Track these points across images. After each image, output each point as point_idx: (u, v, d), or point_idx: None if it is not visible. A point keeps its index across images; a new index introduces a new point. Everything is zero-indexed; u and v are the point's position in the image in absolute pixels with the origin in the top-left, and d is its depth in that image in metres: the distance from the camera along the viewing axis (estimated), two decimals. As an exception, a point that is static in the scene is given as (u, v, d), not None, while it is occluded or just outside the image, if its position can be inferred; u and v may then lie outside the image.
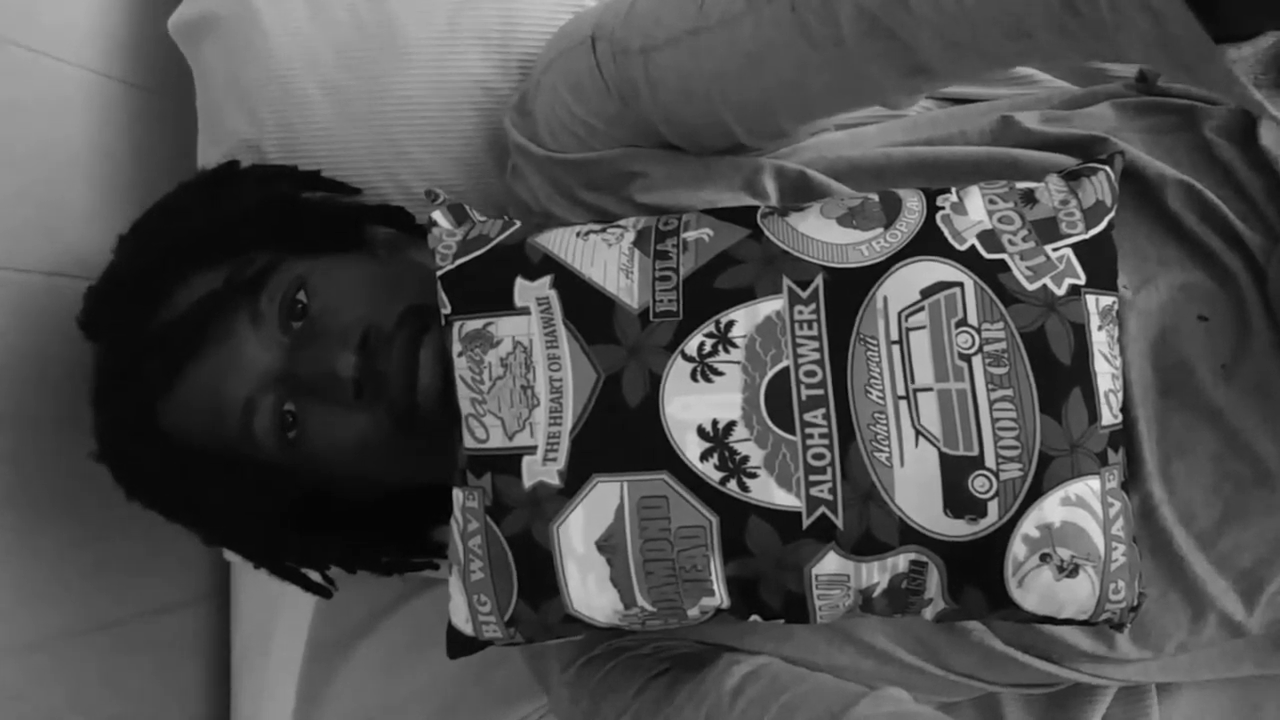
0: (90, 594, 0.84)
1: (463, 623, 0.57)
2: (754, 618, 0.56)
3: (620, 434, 0.53)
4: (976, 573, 0.52)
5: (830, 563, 0.53)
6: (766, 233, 0.56)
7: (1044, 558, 0.51)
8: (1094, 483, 0.52)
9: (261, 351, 0.62)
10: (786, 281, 0.54)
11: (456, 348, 0.56)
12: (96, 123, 0.89)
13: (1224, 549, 0.58)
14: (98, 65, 0.89)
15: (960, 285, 0.53)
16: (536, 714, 0.83)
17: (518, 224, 0.59)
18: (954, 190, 0.56)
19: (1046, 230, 0.54)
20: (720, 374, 0.53)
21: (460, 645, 0.58)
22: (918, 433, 0.52)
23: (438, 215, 0.60)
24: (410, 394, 0.60)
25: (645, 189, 0.66)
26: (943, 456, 0.51)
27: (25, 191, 0.80)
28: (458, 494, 0.56)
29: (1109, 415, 0.52)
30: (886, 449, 0.52)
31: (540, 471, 0.54)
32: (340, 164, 0.78)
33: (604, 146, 0.66)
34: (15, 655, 0.76)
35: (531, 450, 0.54)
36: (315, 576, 0.75)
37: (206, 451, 0.65)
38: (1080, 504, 0.51)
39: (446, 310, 0.57)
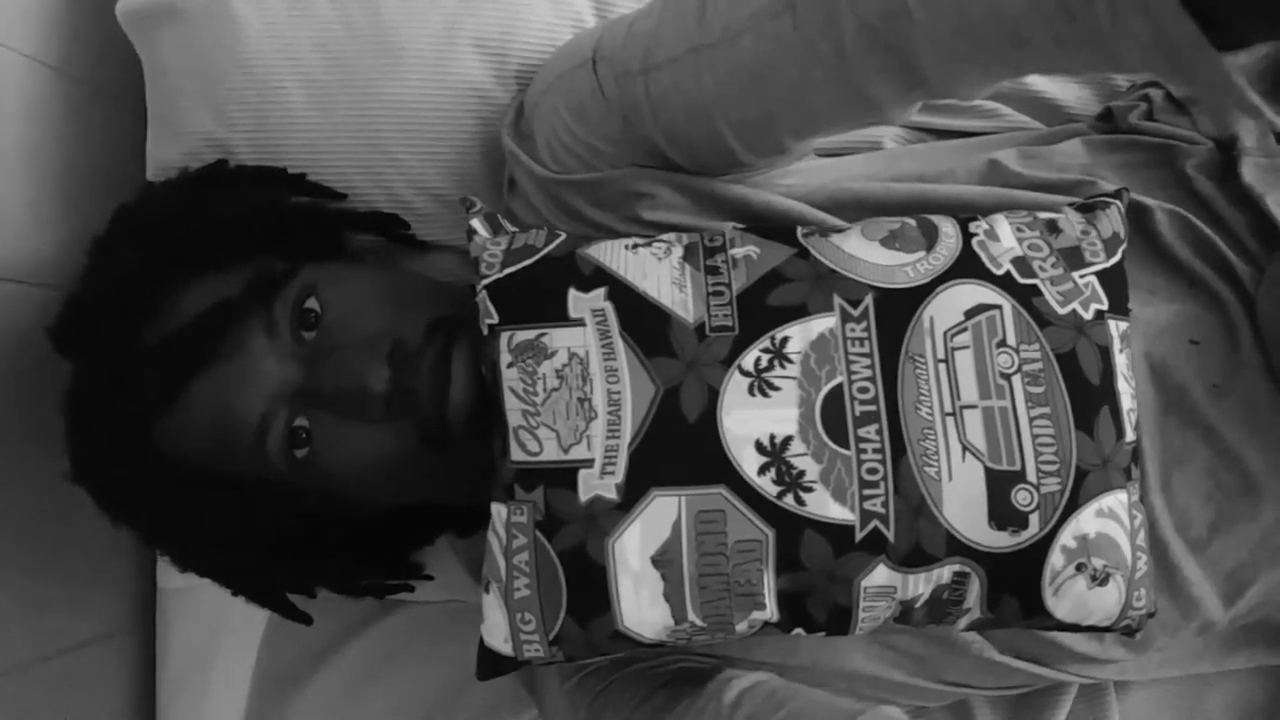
0: (8, 632, 0.77)
1: (500, 642, 0.55)
2: (797, 631, 0.56)
3: (679, 448, 0.53)
4: (1016, 583, 0.55)
5: (880, 575, 0.54)
6: (813, 252, 0.57)
7: (1079, 567, 0.54)
8: (1123, 495, 0.55)
9: (277, 364, 0.59)
10: (838, 300, 0.55)
11: (506, 358, 0.55)
12: (28, 113, 0.82)
13: (1212, 554, 0.62)
14: (29, 49, 0.82)
15: (1000, 308, 0.55)
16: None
17: (563, 235, 0.59)
18: (982, 218, 0.59)
19: (1072, 258, 0.57)
20: (777, 389, 0.54)
21: (493, 666, 0.57)
22: (964, 448, 0.54)
23: (476, 223, 0.59)
24: (442, 409, 0.58)
25: (652, 208, 0.66)
26: (988, 471, 0.54)
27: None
28: (500, 509, 0.55)
29: (1131, 432, 0.56)
30: (935, 464, 0.54)
31: (597, 485, 0.53)
32: (322, 167, 0.75)
33: (608, 167, 0.66)
34: None
35: (589, 464, 0.53)
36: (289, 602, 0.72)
37: (204, 471, 0.61)
38: (1112, 516, 0.54)
39: (493, 320, 0.55)
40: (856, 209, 0.67)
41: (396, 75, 0.75)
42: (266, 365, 0.59)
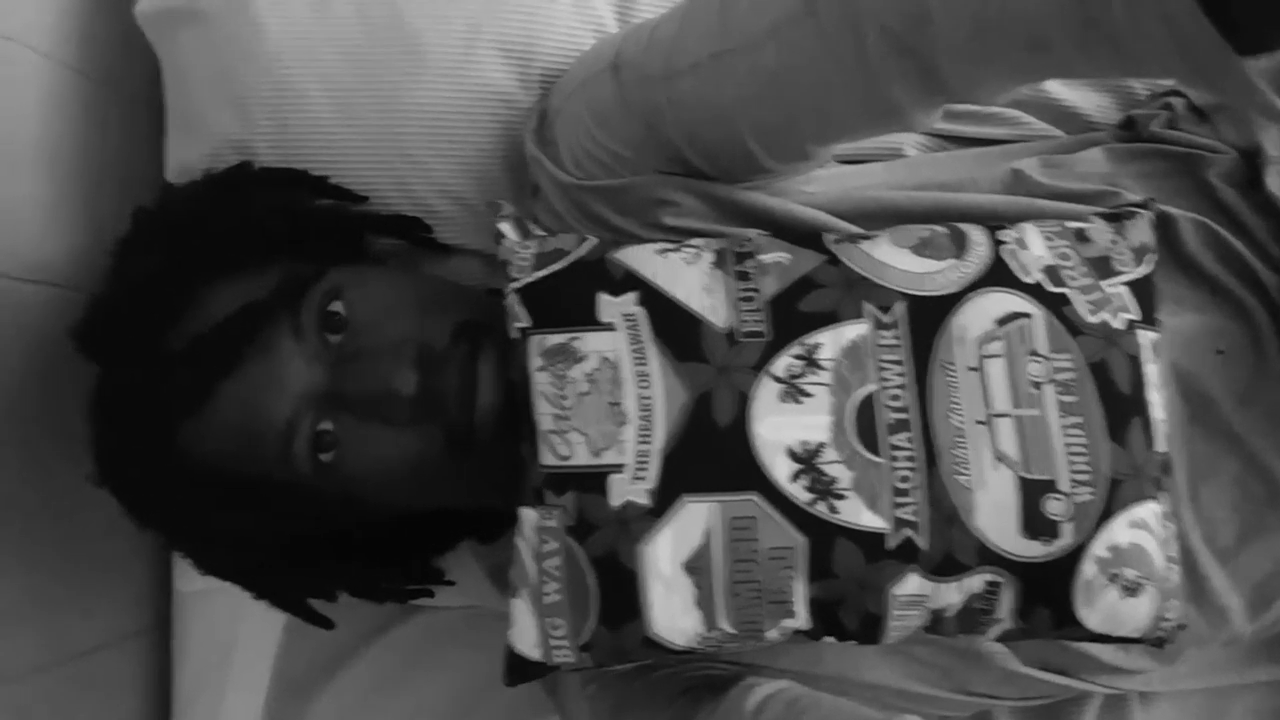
0: (24, 635, 0.77)
1: (530, 648, 0.55)
2: (827, 639, 0.56)
3: (710, 454, 0.53)
4: (1048, 593, 0.54)
5: (911, 584, 0.54)
6: (843, 258, 0.57)
7: (1112, 578, 0.54)
8: (1155, 506, 0.55)
9: (305, 368, 0.59)
10: (869, 306, 0.55)
11: (536, 362, 0.54)
12: (46, 113, 0.82)
13: (1240, 565, 0.62)
14: (48, 48, 0.82)
15: (1031, 316, 0.55)
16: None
17: (593, 239, 0.58)
18: (1011, 227, 0.59)
19: (1101, 268, 0.57)
20: (809, 395, 0.53)
21: (521, 672, 0.56)
22: (996, 457, 0.54)
23: (505, 227, 0.59)
24: (469, 413, 0.58)
25: (675, 215, 0.66)
26: (1020, 480, 0.53)
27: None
28: (530, 513, 0.55)
29: (1162, 443, 0.56)
30: (967, 472, 0.53)
31: (629, 490, 0.53)
32: (343, 169, 0.75)
33: (631, 173, 0.66)
34: None
35: (619, 469, 0.53)
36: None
37: (229, 474, 0.60)
38: (1144, 526, 0.54)
39: (523, 324, 0.55)
40: (880, 218, 0.66)
41: (419, 78, 0.74)
42: (293, 368, 0.59)
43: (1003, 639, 0.57)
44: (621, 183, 0.65)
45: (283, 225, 0.66)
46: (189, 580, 0.85)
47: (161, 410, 0.59)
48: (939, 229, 0.59)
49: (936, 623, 0.56)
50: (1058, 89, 0.80)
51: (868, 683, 0.67)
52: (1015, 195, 0.68)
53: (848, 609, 0.54)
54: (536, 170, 0.69)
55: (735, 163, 0.65)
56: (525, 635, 0.55)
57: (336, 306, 0.60)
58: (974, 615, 0.56)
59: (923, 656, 0.67)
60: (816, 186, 0.70)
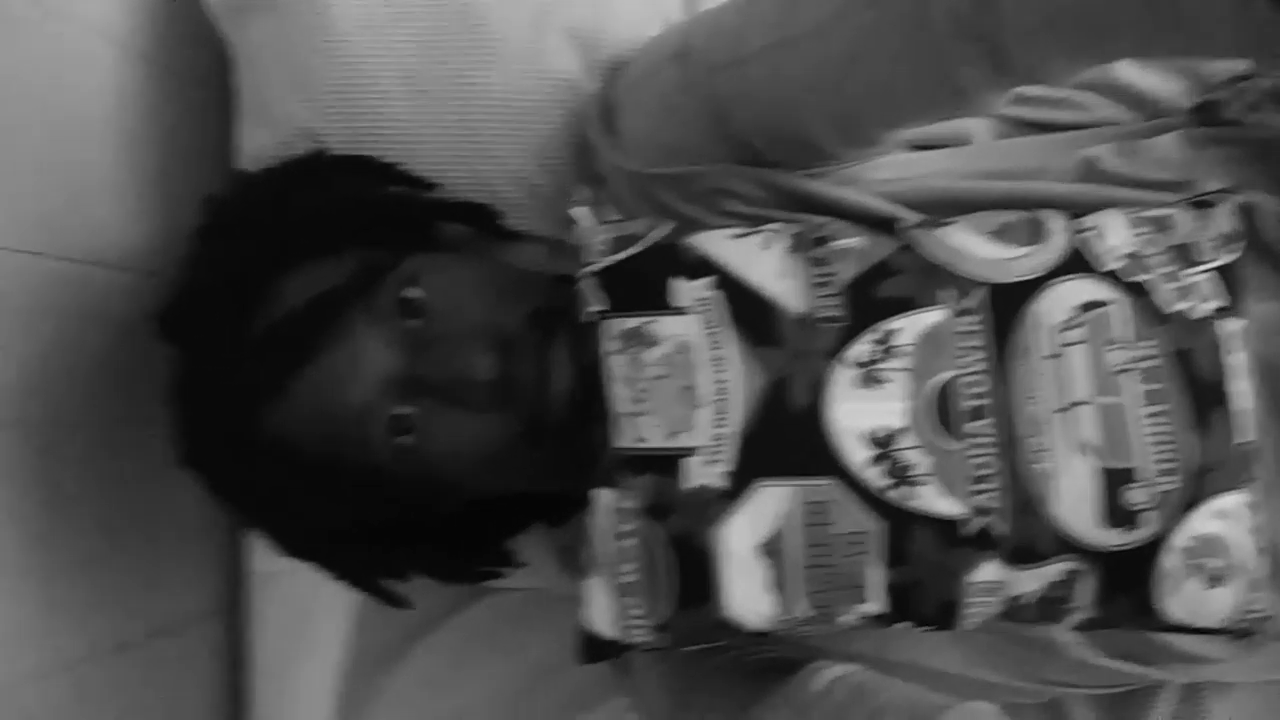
0: (107, 613, 0.78)
1: (605, 627, 0.55)
2: (902, 625, 0.56)
3: (786, 438, 0.53)
4: (1128, 583, 0.54)
5: (988, 571, 0.53)
6: (920, 244, 0.56)
7: (1194, 568, 0.53)
8: (1240, 496, 0.54)
9: (383, 352, 0.59)
10: (947, 293, 0.54)
11: (611, 346, 0.55)
12: (120, 101, 0.84)
13: None
14: (121, 37, 0.84)
15: (1111, 304, 0.54)
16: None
17: (667, 224, 0.59)
18: (1091, 214, 0.58)
19: (1184, 256, 0.56)
20: (886, 381, 0.53)
21: (596, 651, 0.57)
22: (1076, 445, 0.53)
23: (580, 212, 0.59)
24: (544, 398, 0.58)
25: (743, 205, 0.66)
26: (1100, 469, 0.53)
27: (56, 171, 0.75)
28: (607, 494, 0.55)
29: (1247, 432, 0.55)
30: (1046, 460, 0.53)
31: (704, 474, 0.53)
32: (414, 156, 0.75)
33: (697, 160, 0.66)
34: (35, 682, 0.70)
35: (695, 452, 0.53)
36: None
37: (311, 458, 0.61)
38: (1229, 516, 0.53)
39: (598, 308, 0.56)
40: (952, 208, 0.65)
41: (488, 63, 0.75)
42: (372, 353, 0.59)
43: (1080, 628, 0.57)
44: (687, 171, 0.65)
45: (358, 212, 0.67)
46: (263, 560, 0.86)
47: (243, 395, 0.60)
48: (1017, 216, 0.58)
49: (1013, 610, 0.56)
50: (1128, 72, 0.78)
51: (937, 670, 0.67)
52: (1088, 184, 0.67)
53: (923, 595, 0.54)
54: (600, 158, 0.70)
55: (802, 149, 0.64)
56: (600, 615, 0.56)
57: (413, 292, 0.61)
58: (1052, 603, 0.55)
59: (994, 645, 0.67)
60: (887, 173, 0.69)
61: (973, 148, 0.75)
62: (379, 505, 0.65)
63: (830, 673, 0.61)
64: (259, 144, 0.80)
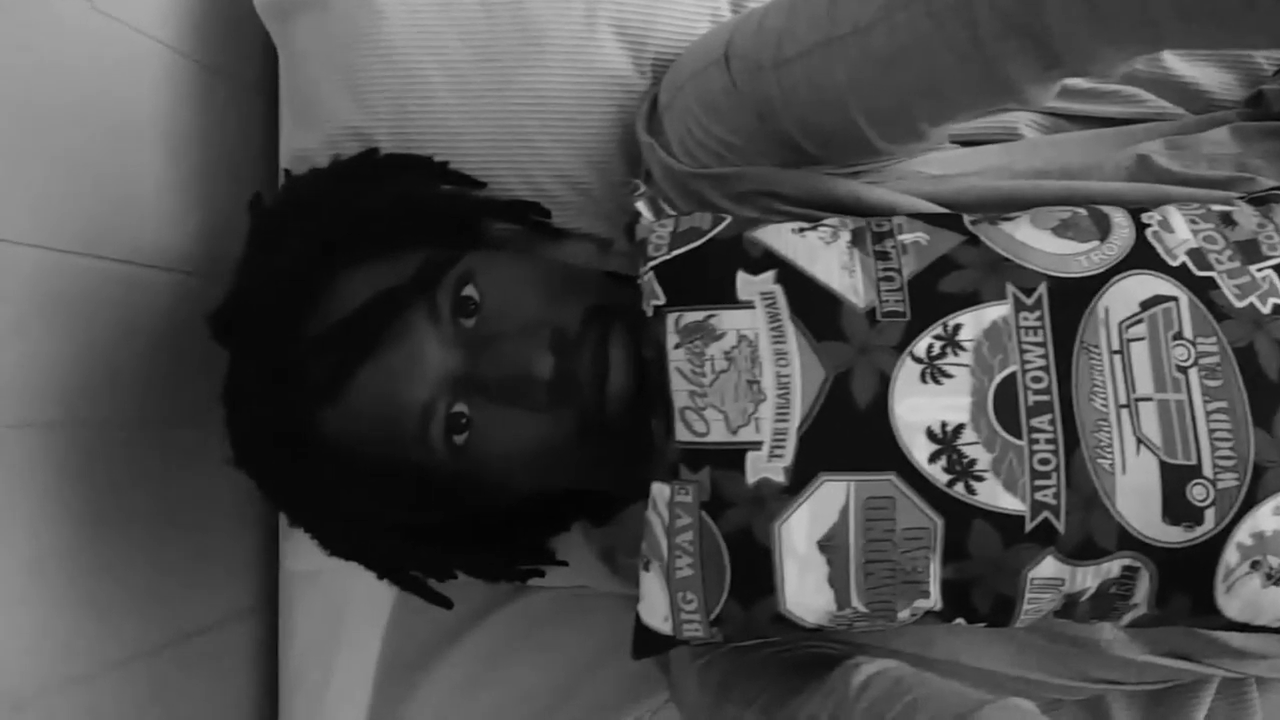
0: (148, 613, 0.79)
1: (660, 621, 0.55)
2: (958, 620, 0.56)
3: (849, 433, 0.53)
4: (1187, 579, 0.54)
5: (1047, 567, 0.53)
6: (983, 239, 0.56)
7: (1254, 565, 0.53)
8: (1303, 494, 0.54)
9: (442, 351, 0.60)
10: (1010, 288, 0.54)
11: (673, 339, 0.55)
12: (165, 101, 0.84)
13: None
14: (167, 36, 0.84)
15: (1176, 299, 0.54)
16: (636, 722, 0.81)
17: (728, 218, 0.59)
18: (1154, 209, 0.58)
19: (1249, 251, 0.56)
20: (949, 376, 0.53)
21: (649, 645, 0.57)
22: (1139, 441, 0.53)
23: (641, 206, 0.59)
24: (601, 396, 0.58)
25: (788, 205, 0.66)
26: (1163, 465, 0.53)
27: (102, 171, 0.75)
28: (662, 488, 0.55)
29: None
30: (1109, 456, 0.53)
31: (765, 468, 0.53)
32: (461, 155, 0.76)
33: (744, 161, 0.66)
34: (83, 684, 0.71)
35: (757, 446, 0.53)
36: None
37: (366, 457, 0.61)
38: (1291, 514, 0.53)
39: (659, 301, 0.56)
40: (1006, 207, 0.66)
41: (538, 61, 0.75)
42: (431, 353, 0.59)
43: (1135, 624, 0.57)
44: (735, 171, 0.66)
45: (413, 212, 0.67)
46: (298, 559, 0.87)
47: (302, 395, 0.60)
48: (1080, 211, 0.58)
49: (1070, 606, 0.56)
50: (1177, 64, 0.78)
51: (979, 668, 0.67)
52: (1142, 182, 0.67)
53: (981, 591, 0.54)
54: (649, 157, 0.70)
55: (849, 147, 0.64)
56: (655, 609, 0.56)
57: (469, 291, 0.61)
58: (1109, 600, 0.55)
59: (1037, 642, 0.66)
60: (938, 168, 0.69)
61: (1023, 143, 0.75)
62: (431, 504, 0.65)
63: (869, 668, 0.61)
64: (304, 144, 0.80)
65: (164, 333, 0.80)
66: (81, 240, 0.72)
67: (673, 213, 0.61)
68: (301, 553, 0.86)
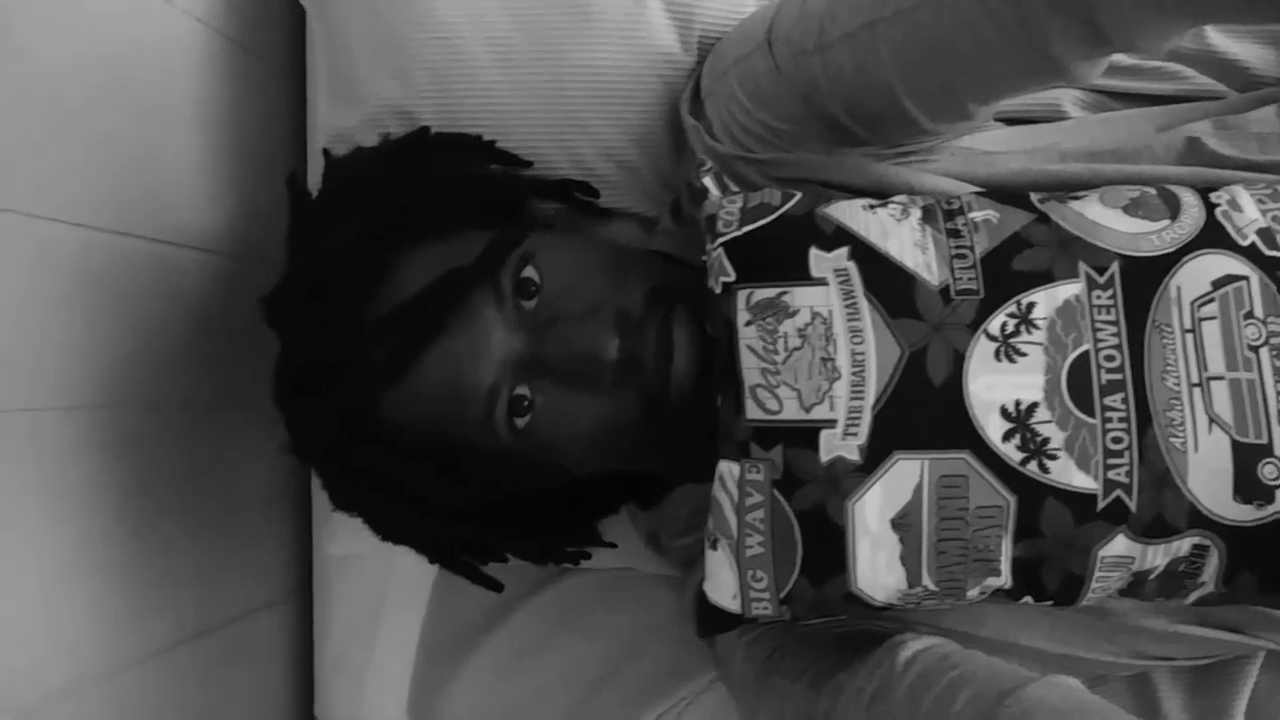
0: (192, 598, 0.79)
1: (728, 599, 0.55)
2: (1025, 599, 0.56)
3: (923, 411, 0.53)
4: (1256, 558, 0.54)
5: (1118, 545, 0.53)
6: (1054, 217, 0.56)
7: (1325, 545, 0.53)
8: (1372, 472, 0.54)
9: (505, 334, 0.59)
10: (1083, 266, 0.54)
11: (744, 316, 0.54)
12: (202, 80, 0.83)
13: None
14: (203, 13, 0.83)
15: (1246, 279, 0.54)
16: (673, 712, 0.81)
17: (798, 194, 0.58)
18: (1222, 189, 0.58)
19: None
20: (1023, 355, 0.53)
21: (715, 623, 0.57)
22: (1211, 420, 0.53)
23: (708, 181, 0.59)
24: (666, 377, 0.58)
25: (834, 191, 0.65)
26: (1234, 444, 0.53)
27: (139, 150, 0.74)
28: (731, 466, 0.55)
29: None
30: (1181, 434, 0.53)
31: (839, 446, 0.53)
32: (507, 132, 0.75)
33: (789, 144, 0.65)
34: (133, 669, 0.70)
35: (831, 424, 0.53)
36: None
37: (426, 441, 0.61)
38: (1361, 493, 0.53)
39: (729, 278, 0.55)
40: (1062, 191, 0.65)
41: (586, 37, 0.74)
42: (496, 335, 0.59)
43: (1201, 603, 0.57)
44: (779, 157, 0.65)
45: (470, 191, 0.66)
46: (335, 544, 0.86)
47: (365, 379, 0.59)
48: (1149, 190, 0.58)
49: (1137, 585, 0.56)
50: (1221, 41, 0.78)
51: (1026, 645, 0.67)
52: (1194, 167, 0.67)
53: (1050, 569, 0.54)
54: (693, 138, 0.69)
55: (896, 127, 0.64)
56: (723, 587, 0.55)
57: (529, 272, 0.60)
58: (1177, 579, 0.55)
59: (1087, 620, 0.67)
60: (991, 144, 0.69)
61: (1071, 124, 0.75)
62: (489, 487, 0.64)
63: (916, 644, 0.61)
64: (345, 122, 0.79)
65: (201, 315, 0.79)
66: (122, 221, 0.71)
67: (736, 188, 0.60)
68: (339, 537, 0.86)
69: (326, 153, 0.75)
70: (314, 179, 0.84)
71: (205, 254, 0.81)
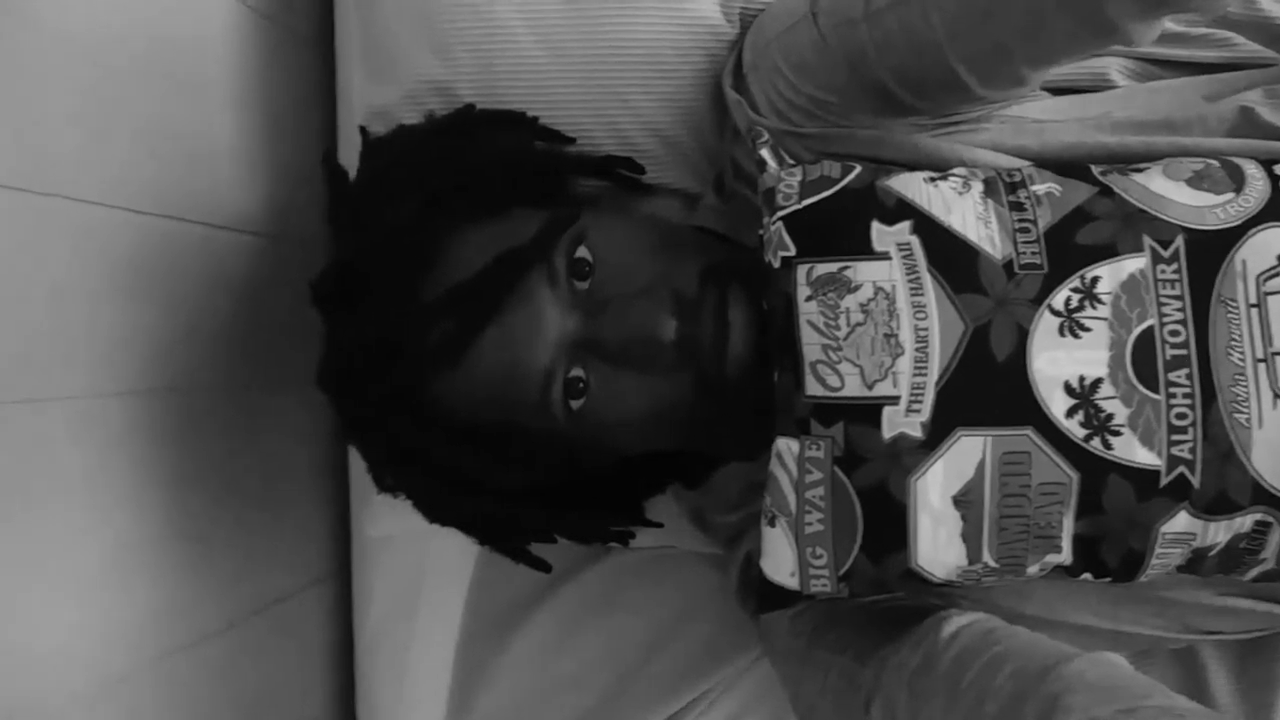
0: (241, 580, 0.78)
1: (786, 576, 0.55)
2: (1085, 575, 0.56)
3: (986, 387, 0.52)
4: (1320, 535, 0.54)
5: (1180, 521, 0.53)
6: (1117, 190, 0.56)
7: (1389, 521, 0.53)
8: None
9: (560, 315, 0.58)
10: (1148, 240, 0.54)
11: (804, 292, 0.54)
12: (234, 55, 0.81)
13: None
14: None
15: (1312, 252, 0.54)
16: (706, 700, 0.81)
17: (858, 167, 0.58)
18: None
19: None
20: (1087, 330, 0.53)
21: (772, 599, 0.57)
22: (1276, 395, 0.52)
23: (766, 154, 0.58)
24: (722, 358, 0.57)
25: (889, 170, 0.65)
26: (1300, 420, 0.52)
27: (174, 130, 0.73)
28: (790, 443, 0.54)
29: None
30: (1246, 410, 0.52)
31: (902, 423, 0.52)
32: (549, 107, 0.74)
33: (837, 117, 0.64)
34: (185, 652, 0.70)
35: (894, 400, 0.53)
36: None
37: (479, 423, 0.60)
38: None
39: (789, 253, 0.55)
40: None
41: (630, 11, 0.73)
42: (551, 316, 0.58)
43: (1263, 579, 0.57)
44: (831, 132, 0.64)
45: (519, 170, 0.65)
46: (374, 525, 0.86)
47: (420, 362, 0.59)
48: (1213, 162, 0.57)
49: (1197, 561, 0.56)
50: (1272, 5, 0.76)
51: (1074, 622, 0.67)
52: (1249, 139, 0.66)
53: (1111, 545, 0.54)
54: (736, 113, 0.68)
55: (946, 94, 0.63)
56: (781, 564, 0.55)
57: (582, 252, 0.59)
58: (1237, 555, 0.55)
59: (1133, 596, 0.66)
60: (1040, 113, 0.68)
61: (1121, 91, 0.74)
62: (541, 468, 0.64)
63: (960, 619, 0.60)
64: (384, 99, 0.78)
65: (240, 296, 0.79)
66: (160, 202, 0.70)
67: (791, 161, 0.59)
68: (379, 518, 0.85)
69: (364, 131, 0.75)
70: (345, 155, 0.84)
71: (242, 235, 0.80)
